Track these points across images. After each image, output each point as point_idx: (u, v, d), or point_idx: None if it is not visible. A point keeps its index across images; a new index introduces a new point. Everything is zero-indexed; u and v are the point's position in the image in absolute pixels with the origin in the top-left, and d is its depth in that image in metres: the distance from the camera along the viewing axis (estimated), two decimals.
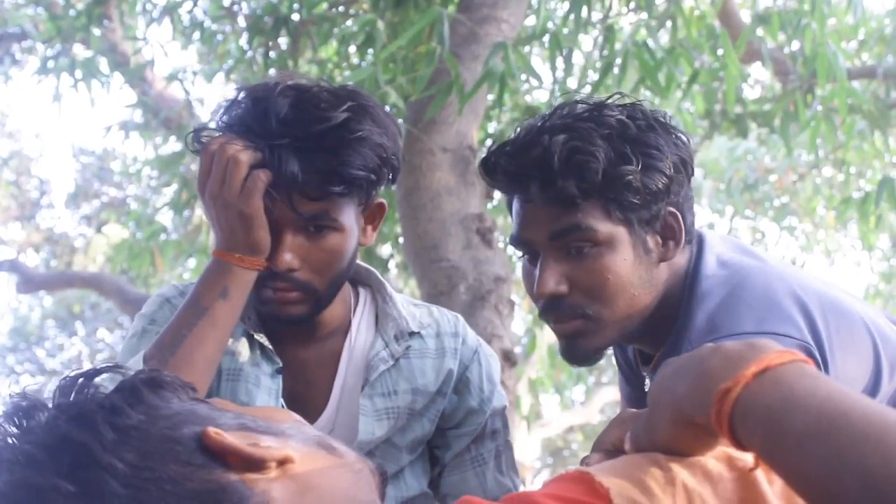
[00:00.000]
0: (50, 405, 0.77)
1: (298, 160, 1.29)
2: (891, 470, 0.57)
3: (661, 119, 1.36)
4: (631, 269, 1.33)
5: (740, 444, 0.67)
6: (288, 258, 1.34)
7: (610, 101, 1.38)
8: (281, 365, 1.46)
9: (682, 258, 1.40)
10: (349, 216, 1.38)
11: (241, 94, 1.36)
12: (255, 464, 0.76)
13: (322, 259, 1.37)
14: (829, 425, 0.61)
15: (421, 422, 1.53)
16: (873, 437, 0.59)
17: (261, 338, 1.47)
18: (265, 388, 1.44)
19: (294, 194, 1.31)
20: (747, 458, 0.72)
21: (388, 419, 1.48)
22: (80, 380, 0.79)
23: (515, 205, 1.38)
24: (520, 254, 1.42)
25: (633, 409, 1.05)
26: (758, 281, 1.33)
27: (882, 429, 0.59)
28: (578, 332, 1.36)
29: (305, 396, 1.48)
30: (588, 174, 1.28)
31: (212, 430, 0.76)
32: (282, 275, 1.35)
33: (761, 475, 0.71)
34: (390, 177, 1.40)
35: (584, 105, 1.36)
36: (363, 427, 1.46)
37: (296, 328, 1.45)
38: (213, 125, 1.39)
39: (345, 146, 1.30)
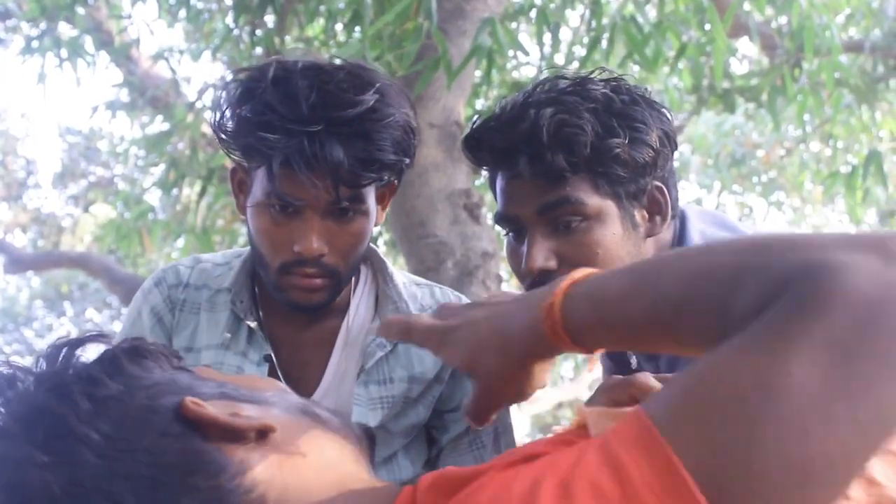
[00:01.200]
0: (31, 375, 0.77)
1: (340, 146, 1.25)
2: (688, 285, 0.64)
3: (644, 93, 1.36)
4: (620, 243, 1.32)
5: (585, 347, 0.73)
6: (318, 244, 1.31)
7: (592, 75, 1.37)
8: (269, 352, 1.44)
9: (667, 234, 1.39)
10: (372, 199, 1.36)
11: (251, 80, 1.30)
12: (234, 433, 0.76)
13: (348, 243, 1.35)
14: (636, 279, 0.69)
15: (416, 409, 1.50)
16: (670, 263, 0.68)
17: (251, 323, 1.44)
18: None
19: (329, 180, 1.27)
20: None
21: (381, 408, 1.45)
22: (65, 349, 0.78)
23: (500, 181, 1.37)
24: (506, 231, 1.42)
25: (619, 376, 1.06)
26: None
27: (673, 259, 0.69)
28: None
29: (299, 377, 1.45)
30: (577, 147, 1.27)
31: (189, 399, 0.76)
32: (311, 261, 1.33)
33: None
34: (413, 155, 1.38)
35: (566, 80, 1.35)
36: (356, 416, 1.42)
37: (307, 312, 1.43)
38: (228, 115, 1.31)
39: (379, 130, 1.28)
